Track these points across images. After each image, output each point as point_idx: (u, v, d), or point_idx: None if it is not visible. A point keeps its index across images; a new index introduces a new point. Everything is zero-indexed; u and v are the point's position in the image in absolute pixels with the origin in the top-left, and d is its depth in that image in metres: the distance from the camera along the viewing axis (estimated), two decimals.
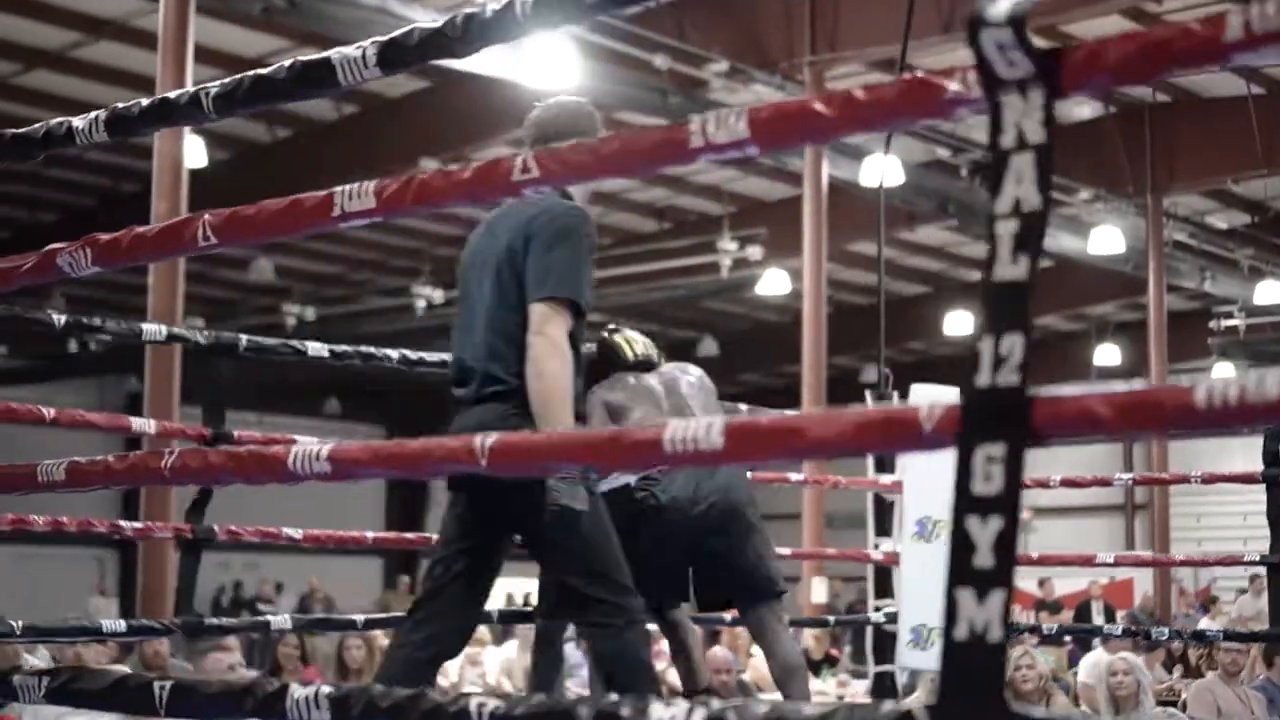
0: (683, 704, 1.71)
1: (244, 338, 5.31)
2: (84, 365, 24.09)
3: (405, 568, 26.19)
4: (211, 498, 5.15)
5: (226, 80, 2.37)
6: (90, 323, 4.88)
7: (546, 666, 5.50)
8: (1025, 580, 19.26)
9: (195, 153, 15.06)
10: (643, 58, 15.27)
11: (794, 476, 7.96)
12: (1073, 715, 2.25)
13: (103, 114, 2.57)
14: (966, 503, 1.56)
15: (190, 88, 2.57)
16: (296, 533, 5.60)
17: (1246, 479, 6.92)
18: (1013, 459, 1.55)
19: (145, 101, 2.51)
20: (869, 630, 8.21)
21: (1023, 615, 18.20)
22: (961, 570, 1.55)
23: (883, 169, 11.57)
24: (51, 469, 2.56)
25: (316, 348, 5.58)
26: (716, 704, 1.70)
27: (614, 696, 1.79)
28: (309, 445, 2.12)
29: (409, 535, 6.23)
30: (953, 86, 1.64)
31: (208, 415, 5.12)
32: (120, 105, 2.55)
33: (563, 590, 4.37)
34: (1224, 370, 24.46)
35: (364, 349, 5.82)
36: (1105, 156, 19.59)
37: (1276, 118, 18.20)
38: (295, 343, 5.52)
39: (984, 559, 1.55)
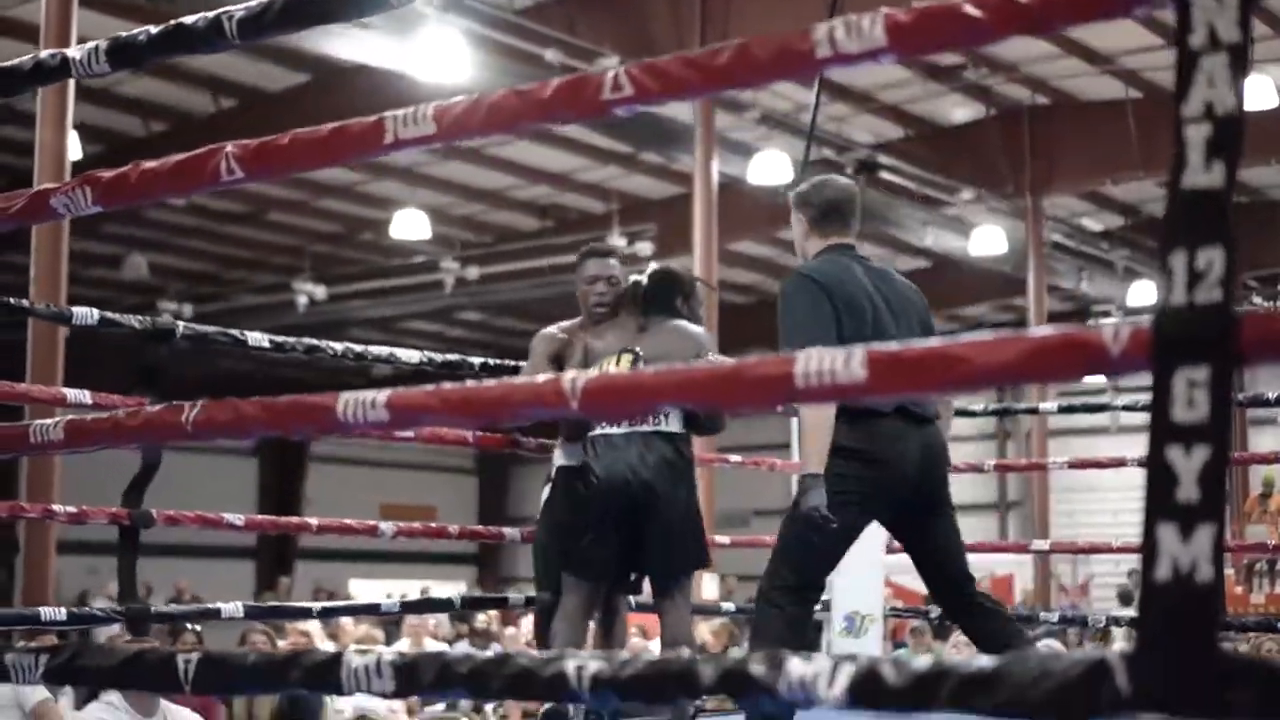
0: (825, 661, 1.56)
1: (181, 325, 5.06)
2: None
3: (282, 568, 25.70)
4: (150, 482, 4.91)
5: (253, 3, 2.16)
6: (15, 303, 4.65)
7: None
8: (911, 577, 19.32)
9: (71, 146, 14.63)
10: (533, 52, 15.09)
11: (733, 458, 7.83)
12: None
13: (104, 43, 2.36)
14: (1167, 431, 1.43)
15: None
16: (238, 519, 5.39)
17: (1117, 464, 7.21)
18: (1219, 382, 1.42)
19: (155, 29, 2.29)
20: None
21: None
22: (1163, 504, 1.42)
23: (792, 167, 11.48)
24: (47, 429, 2.34)
25: (257, 338, 5.37)
26: (864, 658, 1.55)
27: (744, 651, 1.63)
28: (362, 393, 1.94)
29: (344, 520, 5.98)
30: None
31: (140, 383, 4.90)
32: (124, 34, 2.33)
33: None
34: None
35: (306, 340, 5.61)
36: (985, 158, 19.75)
37: (1153, 121, 18.43)
38: (235, 332, 5.29)
39: (1189, 492, 1.41)
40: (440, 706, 14.04)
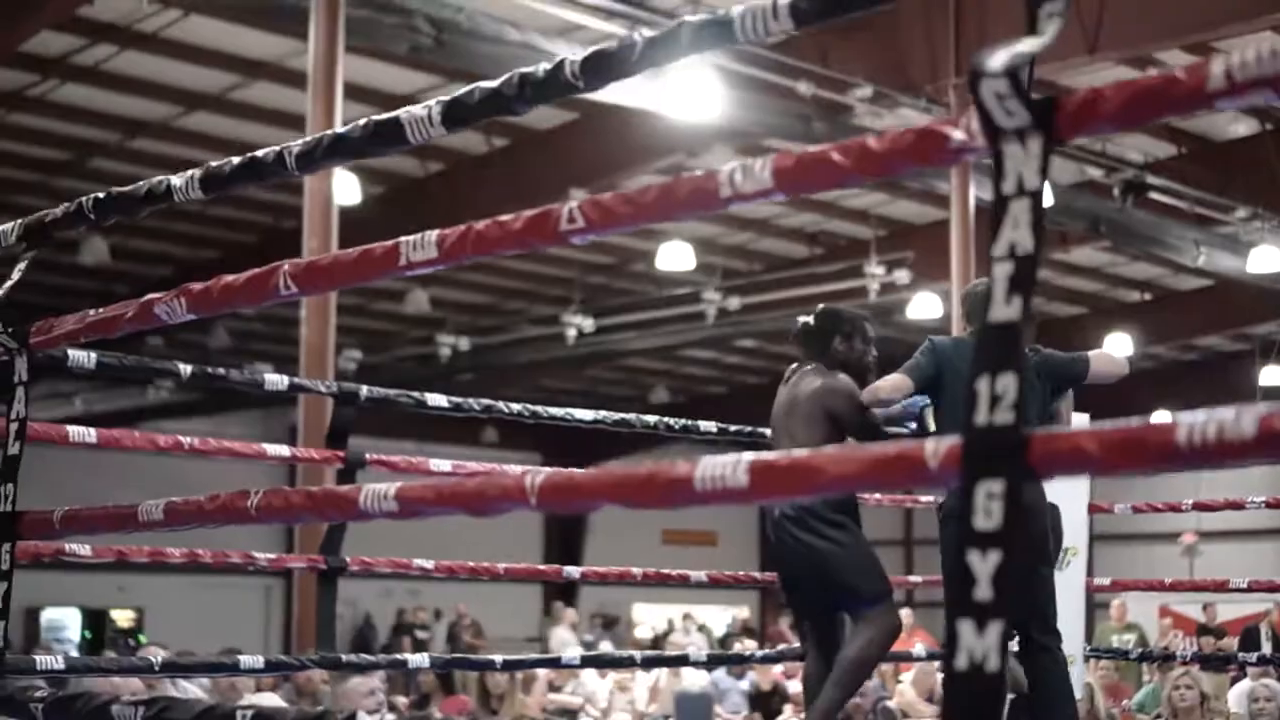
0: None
1: (364, 389, 5.50)
2: (252, 398, 24.66)
3: (564, 595, 26.35)
4: (344, 531, 5.33)
5: (308, 139, 2.50)
6: (215, 372, 5.10)
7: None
8: (1190, 605, 18.91)
9: (349, 189, 15.37)
10: (786, 85, 15.28)
11: (924, 498, 7.96)
12: None
13: (198, 173, 2.71)
14: (968, 537, 1.62)
15: (340, 127, 2.68)
16: (428, 564, 5.74)
17: None
18: (1011, 495, 1.60)
19: (236, 160, 2.64)
20: None
21: (1184, 641, 17.85)
22: (962, 603, 1.61)
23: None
24: (152, 509, 2.71)
25: (436, 399, 5.73)
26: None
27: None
28: (379, 486, 2.23)
29: (541, 567, 6.32)
30: (957, 135, 1.70)
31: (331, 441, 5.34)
32: (214, 164, 2.69)
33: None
34: None
35: (484, 401, 5.93)
36: (1263, 173, 19.20)
37: None
38: (415, 394, 5.66)
39: (983, 592, 1.60)
40: None
